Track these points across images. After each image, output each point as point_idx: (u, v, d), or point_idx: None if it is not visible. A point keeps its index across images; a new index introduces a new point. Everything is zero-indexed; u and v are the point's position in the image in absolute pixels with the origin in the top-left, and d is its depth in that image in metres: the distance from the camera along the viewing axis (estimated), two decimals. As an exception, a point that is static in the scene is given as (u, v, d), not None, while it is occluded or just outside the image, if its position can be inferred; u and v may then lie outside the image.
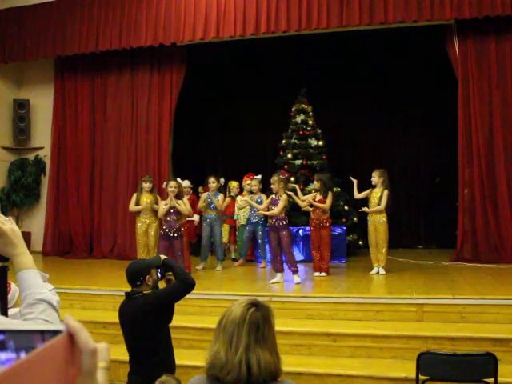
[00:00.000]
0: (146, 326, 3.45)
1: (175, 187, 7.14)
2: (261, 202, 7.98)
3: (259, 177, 8.43)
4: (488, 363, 3.55)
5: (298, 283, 6.75)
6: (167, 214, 7.15)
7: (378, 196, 7.33)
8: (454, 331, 5.13)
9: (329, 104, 10.61)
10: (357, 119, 10.98)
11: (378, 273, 7.31)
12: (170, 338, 3.62)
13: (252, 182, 8.36)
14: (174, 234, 7.09)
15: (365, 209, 7.43)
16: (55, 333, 0.65)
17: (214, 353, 1.94)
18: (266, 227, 8.87)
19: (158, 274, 3.58)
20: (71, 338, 0.66)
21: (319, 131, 9.68)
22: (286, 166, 9.36)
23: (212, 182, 8.22)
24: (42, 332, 0.66)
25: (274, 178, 7.12)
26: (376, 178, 7.37)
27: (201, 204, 8.20)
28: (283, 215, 7.00)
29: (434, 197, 10.54)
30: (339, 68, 10.67)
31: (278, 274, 6.93)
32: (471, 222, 8.28)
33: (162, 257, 3.67)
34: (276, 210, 6.93)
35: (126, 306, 3.56)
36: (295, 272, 6.87)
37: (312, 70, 10.75)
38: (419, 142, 10.90)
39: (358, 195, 7.55)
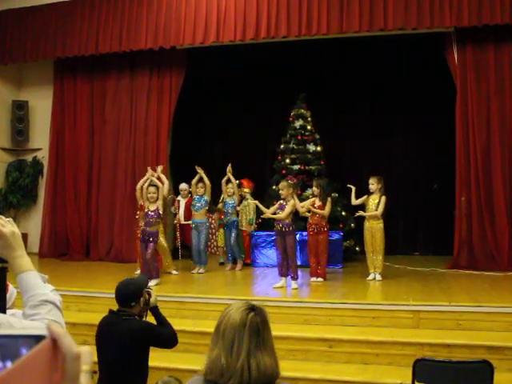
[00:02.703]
0: (134, 351, 3.39)
1: (153, 193, 7.29)
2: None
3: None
4: (484, 371, 3.55)
5: (294, 289, 6.76)
6: (145, 217, 7.24)
7: (375, 202, 7.35)
8: (450, 338, 5.13)
9: (327, 109, 10.61)
10: (355, 125, 10.98)
11: (374, 279, 7.31)
12: (148, 362, 3.60)
13: (244, 189, 8.72)
14: (149, 237, 7.18)
15: (361, 213, 7.44)
16: (38, 338, 0.66)
17: (214, 358, 1.93)
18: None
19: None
20: (54, 343, 0.66)
21: (317, 137, 9.68)
22: (283, 171, 9.36)
23: (201, 187, 8.36)
24: (26, 337, 0.66)
25: (284, 184, 7.15)
26: (375, 184, 7.39)
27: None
28: (290, 221, 7.00)
29: (431, 204, 10.56)
30: (338, 74, 10.69)
31: (283, 279, 6.93)
32: (468, 230, 8.30)
33: (153, 298, 3.65)
34: (282, 214, 6.94)
35: (114, 326, 3.48)
36: (295, 279, 6.88)
37: (311, 76, 10.77)
38: (417, 148, 10.91)
39: (355, 201, 7.57)
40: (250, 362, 1.88)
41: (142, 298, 3.55)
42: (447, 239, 8.84)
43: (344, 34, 8.49)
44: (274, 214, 7.12)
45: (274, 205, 7.37)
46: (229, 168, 8.52)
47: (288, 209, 6.95)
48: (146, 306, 3.59)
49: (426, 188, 10.77)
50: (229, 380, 1.88)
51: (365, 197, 7.48)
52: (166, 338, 3.57)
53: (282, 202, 7.11)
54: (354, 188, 7.58)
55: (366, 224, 7.45)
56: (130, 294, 3.53)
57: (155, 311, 3.65)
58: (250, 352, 1.90)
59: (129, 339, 3.38)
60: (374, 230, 7.35)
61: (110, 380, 3.43)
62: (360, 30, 8.27)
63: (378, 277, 7.30)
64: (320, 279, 7.26)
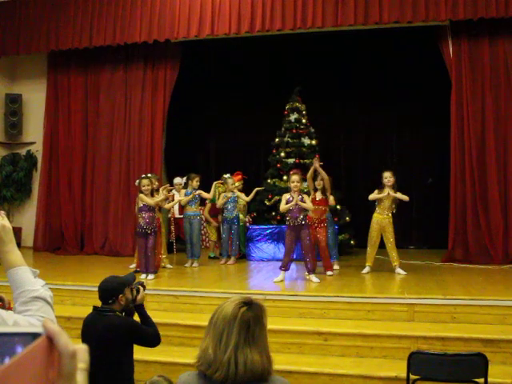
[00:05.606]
0: (115, 346, 3.38)
1: (147, 185, 7.21)
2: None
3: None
4: (478, 363, 3.56)
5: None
6: (141, 211, 7.21)
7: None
8: (445, 331, 5.14)
9: (322, 103, 10.59)
10: (350, 119, 10.98)
11: (369, 272, 7.32)
12: (132, 359, 3.57)
13: (235, 184, 8.64)
14: (146, 229, 7.15)
15: (394, 193, 7.23)
16: (34, 335, 0.65)
17: (204, 349, 1.93)
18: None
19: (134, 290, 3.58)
20: (50, 341, 0.65)
21: (312, 130, 9.67)
22: (278, 165, 9.35)
23: (196, 181, 8.33)
24: (22, 335, 0.65)
25: (299, 177, 6.92)
26: (392, 178, 7.30)
27: (184, 201, 8.36)
28: (305, 213, 6.90)
29: (425, 197, 10.56)
30: (333, 67, 10.66)
31: (282, 273, 6.88)
32: (462, 224, 8.32)
33: (140, 296, 3.61)
34: (310, 204, 6.83)
35: (95, 322, 3.48)
36: (311, 273, 6.84)
37: (306, 69, 10.74)
38: (412, 142, 10.90)
39: (375, 197, 7.36)
40: (237, 357, 1.87)
41: (122, 296, 3.50)
42: (442, 233, 8.85)
43: (339, 27, 8.46)
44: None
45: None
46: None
47: (308, 200, 6.87)
48: (131, 303, 3.55)
49: (420, 182, 10.77)
50: (215, 372, 1.87)
51: (386, 193, 7.25)
52: (149, 336, 3.54)
53: (287, 195, 6.92)
54: (387, 190, 7.30)
55: (378, 217, 7.36)
56: (108, 291, 3.52)
57: (140, 309, 3.62)
58: (238, 346, 1.89)
59: (109, 334, 3.36)
60: (384, 224, 7.28)
61: (96, 377, 3.40)
62: (355, 24, 8.25)
63: (400, 271, 7.21)
64: (330, 273, 7.22)
